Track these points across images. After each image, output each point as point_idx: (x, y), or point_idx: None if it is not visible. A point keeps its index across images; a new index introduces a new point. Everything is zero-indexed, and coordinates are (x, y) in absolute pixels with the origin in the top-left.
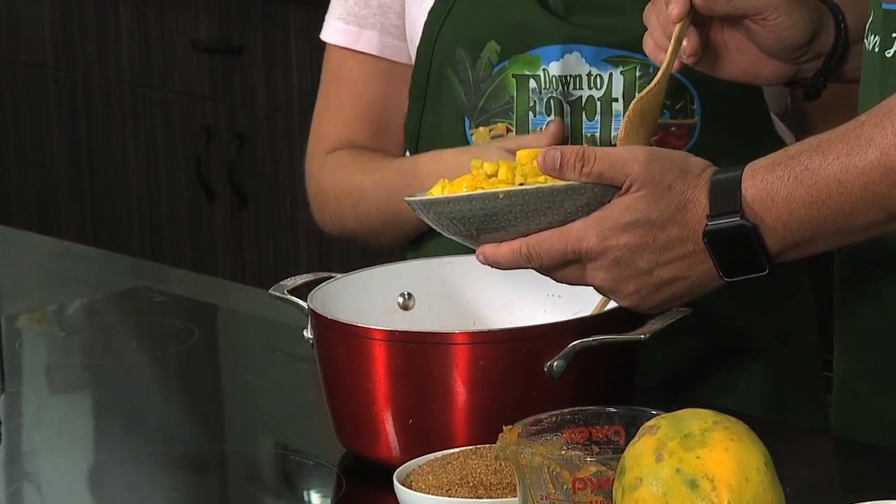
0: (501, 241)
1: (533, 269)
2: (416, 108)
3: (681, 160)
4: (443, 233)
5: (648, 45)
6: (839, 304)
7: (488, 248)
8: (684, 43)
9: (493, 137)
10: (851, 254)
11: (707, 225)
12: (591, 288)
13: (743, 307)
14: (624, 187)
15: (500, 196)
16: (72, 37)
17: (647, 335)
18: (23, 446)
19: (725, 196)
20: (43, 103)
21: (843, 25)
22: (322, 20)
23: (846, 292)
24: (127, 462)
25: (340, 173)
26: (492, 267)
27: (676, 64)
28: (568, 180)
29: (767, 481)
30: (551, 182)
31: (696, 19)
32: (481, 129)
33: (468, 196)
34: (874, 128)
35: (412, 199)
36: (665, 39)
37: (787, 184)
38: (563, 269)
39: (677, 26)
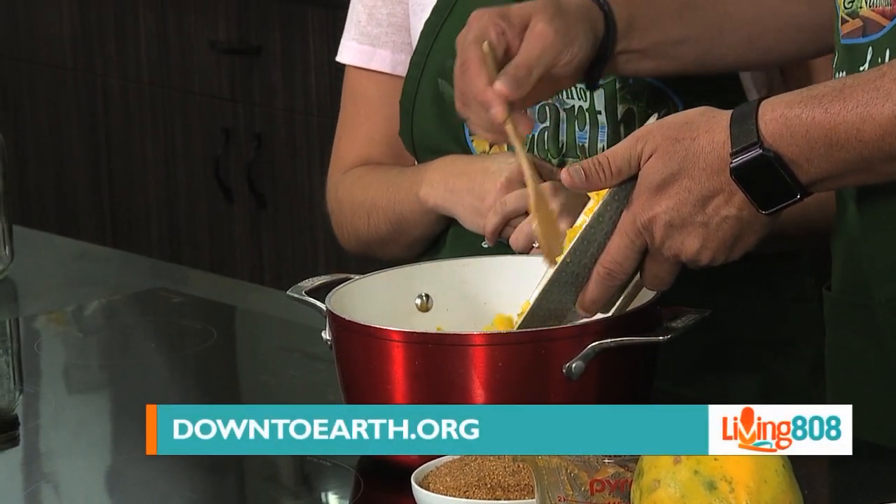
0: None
1: (622, 283)
2: (406, 120)
3: (678, 117)
4: None
5: (484, 135)
6: (829, 341)
7: (580, 305)
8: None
9: (492, 144)
10: (840, 291)
11: (732, 162)
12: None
13: (743, 316)
14: (640, 165)
15: (568, 260)
16: (91, 38)
17: (667, 337)
18: (41, 447)
19: (744, 130)
20: (62, 104)
21: (609, 14)
22: (340, 20)
23: (835, 330)
24: (145, 463)
25: (355, 187)
26: (599, 313)
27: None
28: (595, 189)
29: (786, 483)
30: (582, 220)
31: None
32: None
33: (549, 283)
34: (893, 82)
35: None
36: (493, 129)
37: (805, 122)
38: (647, 265)
39: (507, 125)
